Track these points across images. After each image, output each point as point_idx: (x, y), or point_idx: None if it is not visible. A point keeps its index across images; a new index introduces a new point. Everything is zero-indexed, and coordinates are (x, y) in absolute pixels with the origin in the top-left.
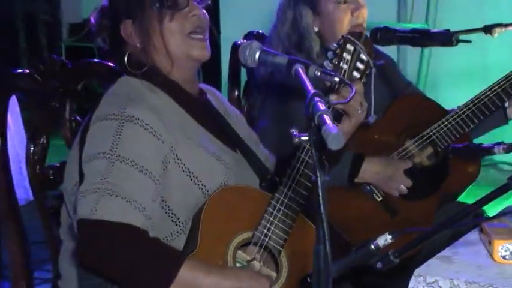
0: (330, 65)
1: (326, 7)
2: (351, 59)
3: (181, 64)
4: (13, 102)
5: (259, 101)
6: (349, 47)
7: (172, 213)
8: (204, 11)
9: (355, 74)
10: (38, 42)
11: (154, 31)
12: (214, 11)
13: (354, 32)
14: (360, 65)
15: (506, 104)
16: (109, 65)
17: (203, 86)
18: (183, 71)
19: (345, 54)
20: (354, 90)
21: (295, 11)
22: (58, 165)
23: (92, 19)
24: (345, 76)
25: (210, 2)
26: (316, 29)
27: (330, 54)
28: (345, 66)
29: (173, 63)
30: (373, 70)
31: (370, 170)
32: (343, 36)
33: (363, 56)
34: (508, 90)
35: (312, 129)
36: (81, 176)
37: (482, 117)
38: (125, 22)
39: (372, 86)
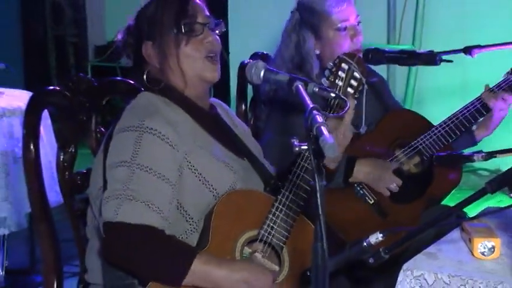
0: (327, 82)
1: (327, 33)
2: (346, 77)
3: (194, 84)
4: (45, 116)
5: (264, 115)
6: (344, 65)
7: (186, 214)
8: (217, 36)
9: (349, 90)
10: (67, 62)
11: (171, 53)
12: (223, 33)
13: (349, 52)
14: (353, 82)
15: (474, 127)
16: (130, 83)
17: (213, 100)
18: (195, 89)
19: (340, 73)
20: (348, 104)
21: (299, 35)
22: (85, 171)
23: (119, 36)
24: (340, 92)
25: (224, 29)
26: (317, 52)
27: (326, 72)
28: (340, 83)
29: (186, 82)
30: (365, 87)
31: (362, 170)
32: (338, 56)
33: (356, 74)
34: (480, 109)
35: (311, 139)
36: (105, 181)
37: (463, 129)
38: (146, 43)
39: (364, 101)
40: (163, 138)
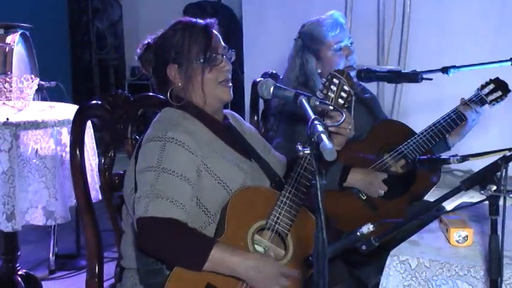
0: (321, 94)
1: (326, 54)
2: (336, 90)
3: (212, 103)
4: (88, 126)
5: (275, 125)
6: (335, 80)
7: (205, 208)
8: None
9: (340, 101)
10: (108, 81)
11: (196, 78)
12: (239, 55)
13: (339, 69)
14: (343, 94)
15: (447, 135)
16: (159, 97)
17: (226, 111)
18: (213, 106)
19: (332, 86)
20: (344, 115)
21: (303, 58)
22: (122, 172)
23: (138, 50)
24: (332, 102)
25: (234, 57)
26: (319, 70)
27: (320, 86)
28: (332, 95)
29: (206, 102)
30: (353, 98)
31: (355, 178)
32: (330, 73)
33: (346, 87)
34: (456, 119)
35: (313, 145)
36: (136, 184)
37: (441, 136)
38: (171, 65)
39: (352, 110)
40: (183, 146)
